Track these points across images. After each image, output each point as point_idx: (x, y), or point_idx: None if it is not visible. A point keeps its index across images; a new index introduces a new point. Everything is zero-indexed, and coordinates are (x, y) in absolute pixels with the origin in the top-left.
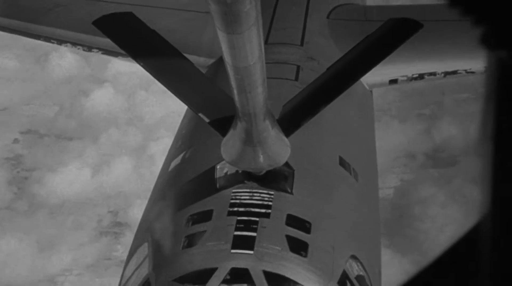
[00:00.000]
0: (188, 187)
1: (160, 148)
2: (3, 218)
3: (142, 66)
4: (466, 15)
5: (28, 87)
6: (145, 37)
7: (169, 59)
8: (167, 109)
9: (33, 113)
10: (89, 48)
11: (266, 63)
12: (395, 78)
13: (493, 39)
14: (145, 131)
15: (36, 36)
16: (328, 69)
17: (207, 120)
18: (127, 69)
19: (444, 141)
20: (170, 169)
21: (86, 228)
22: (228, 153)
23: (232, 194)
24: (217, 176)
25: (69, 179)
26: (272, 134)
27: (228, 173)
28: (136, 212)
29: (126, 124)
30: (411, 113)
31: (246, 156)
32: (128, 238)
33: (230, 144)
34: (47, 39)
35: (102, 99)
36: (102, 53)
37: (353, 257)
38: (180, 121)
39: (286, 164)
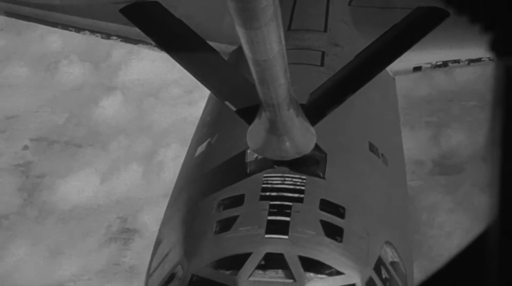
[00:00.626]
0: (217, 172)
1: (169, 155)
2: (14, 224)
3: (168, 53)
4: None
5: (38, 94)
6: (171, 26)
7: (195, 48)
8: (176, 116)
9: (43, 121)
10: (108, 35)
11: (291, 49)
12: (419, 65)
13: (500, 46)
14: (154, 138)
15: (53, 24)
16: (355, 57)
17: (234, 108)
18: (137, 76)
19: (451, 148)
20: (196, 154)
21: (96, 234)
22: (253, 142)
23: (264, 179)
24: (247, 160)
25: (79, 185)
26: (296, 123)
27: (258, 157)
28: (145, 218)
29: (135, 131)
30: (419, 120)
31: (271, 145)
32: (137, 243)
33: (255, 133)
34: (65, 26)
35: (111, 106)
36: (121, 41)
37: (388, 243)
38: (190, 124)
39: (318, 148)
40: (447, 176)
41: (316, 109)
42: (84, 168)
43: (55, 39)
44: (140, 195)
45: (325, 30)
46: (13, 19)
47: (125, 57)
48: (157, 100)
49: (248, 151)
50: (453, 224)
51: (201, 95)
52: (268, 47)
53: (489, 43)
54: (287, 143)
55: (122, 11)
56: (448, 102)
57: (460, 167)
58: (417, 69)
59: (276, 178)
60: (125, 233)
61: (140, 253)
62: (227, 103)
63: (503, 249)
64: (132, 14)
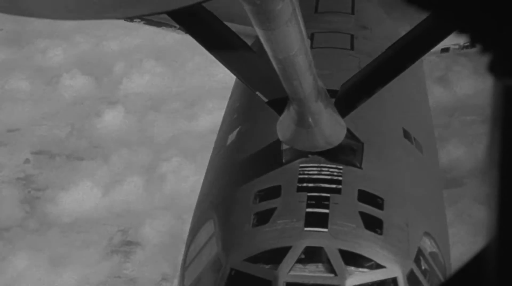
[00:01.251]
0: (252, 161)
1: (170, 168)
2: (16, 236)
3: (200, 43)
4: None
5: (39, 108)
6: (204, 17)
7: (226, 39)
8: (177, 130)
9: (45, 134)
10: (131, 18)
11: (319, 32)
12: (447, 46)
13: (500, 66)
14: (156, 151)
15: None
16: (388, 49)
17: (265, 99)
18: (138, 90)
19: (451, 162)
20: (228, 143)
21: (97, 246)
22: (283, 133)
23: (300, 169)
24: (283, 148)
25: (80, 198)
26: (325, 115)
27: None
28: (147, 231)
29: (137, 144)
30: None
31: (300, 136)
32: (139, 256)
33: (285, 125)
34: None
35: (113, 119)
36: (144, 23)
37: (427, 233)
38: (190, 137)
39: (354, 137)
40: (447, 189)
41: (346, 101)
42: (85, 180)
43: (57, 53)
44: (141, 207)
45: (353, 12)
46: (16, 33)
47: (126, 70)
48: (158, 114)
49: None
50: (452, 237)
51: (202, 108)
52: (288, 45)
53: (487, 64)
54: (316, 135)
55: None
56: (449, 117)
57: (459, 181)
58: (445, 50)
59: (313, 169)
60: (126, 246)
61: (141, 266)
62: (258, 93)
63: (502, 263)
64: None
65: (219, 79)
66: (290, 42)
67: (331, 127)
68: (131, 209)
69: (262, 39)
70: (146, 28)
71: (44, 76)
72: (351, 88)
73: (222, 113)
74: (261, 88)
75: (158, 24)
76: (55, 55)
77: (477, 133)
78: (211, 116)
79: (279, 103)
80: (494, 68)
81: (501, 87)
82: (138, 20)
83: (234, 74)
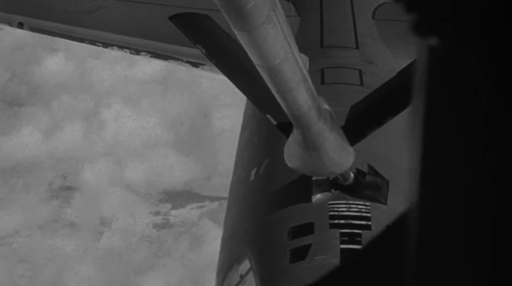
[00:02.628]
0: (281, 195)
1: (111, 114)
2: None
3: (213, 62)
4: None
5: None
6: (216, 36)
7: (239, 60)
8: (117, 77)
9: None
10: (137, 51)
11: (328, 67)
12: None
13: (424, 25)
14: (96, 98)
15: (80, 40)
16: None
17: (274, 122)
18: None
19: None
20: (251, 178)
21: (37, 191)
22: (288, 157)
23: (329, 206)
24: (313, 185)
25: (21, 143)
26: (330, 139)
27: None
28: (86, 177)
29: (77, 91)
30: None
31: (304, 160)
32: (78, 201)
33: (290, 148)
34: (92, 42)
35: (53, 66)
36: (151, 56)
37: None
38: (130, 84)
39: (378, 174)
40: None
41: (356, 127)
42: (26, 126)
43: None
44: (81, 153)
45: (357, 47)
46: None
47: None
48: (99, 61)
49: (314, 178)
50: None
51: (142, 56)
52: (269, 52)
53: (411, 23)
54: (321, 160)
55: (171, 18)
56: None
57: None
58: None
59: (342, 205)
60: (66, 190)
61: (80, 210)
62: (268, 116)
63: (421, 227)
64: (181, 22)
65: None
66: (270, 49)
67: (336, 153)
68: (71, 155)
69: (242, 44)
70: None
71: None
72: (360, 113)
73: (161, 61)
74: (271, 111)
75: (166, 57)
76: None
77: None
78: (150, 64)
79: (289, 127)
80: (417, 28)
81: (424, 47)
82: (145, 53)
83: (247, 96)
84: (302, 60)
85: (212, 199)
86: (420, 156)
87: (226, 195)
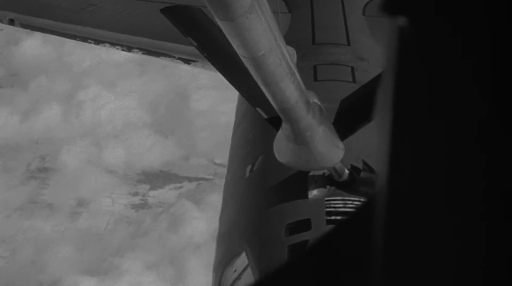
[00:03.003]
0: (278, 191)
1: (89, 96)
2: None
3: (205, 57)
4: None
5: None
6: (208, 29)
7: (231, 54)
8: (95, 59)
9: None
10: (129, 48)
11: (320, 64)
12: None
13: (393, 5)
14: (74, 79)
15: (71, 36)
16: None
17: (265, 116)
18: None
19: None
20: (247, 175)
21: (15, 172)
22: (278, 151)
23: (326, 202)
24: (310, 180)
25: None
26: (319, 133)
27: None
28: (64, 158)
29: (55, 72)
30: None
31: (293, 155)
32: (56, 182)
33: (279, 142)
34: (84, 39)
35: (31, 48)
36: (143, 53)
37: None
38: (108, 66)
39: (372, 170)
40: None
41: (346, 121)
42: (3, 108)
43: None
44: (59, 134)
45: (348, 44)
46: None
47: None
48: (75, 42)
49: (310, 173)
50: None
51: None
52: (252, 42)
53: (381, 2)
54: (309, 154)
55: (163, 11)
56: None
57: None
58: None
59: (338, 202)
60: (44, 172)
61: (58, 191)
62: (258, 110)
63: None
64: (172, 15)
65: None
66: (254, 39)
67: (326, 147)
68: (49, 136)
69: (225, 33)
70: None
71: None
72: (350, 108)
73: None
74: (262, 105)
75: (157, 54)
76: None
77: None
78: None
79: (279, 121)
80: (387, 7)
81: (394, 27)
82: (137, 50)
83: (238, 90)
84: (289, 52)
85: (190, 179)
86: (389, 139)
87: (204, 175)
